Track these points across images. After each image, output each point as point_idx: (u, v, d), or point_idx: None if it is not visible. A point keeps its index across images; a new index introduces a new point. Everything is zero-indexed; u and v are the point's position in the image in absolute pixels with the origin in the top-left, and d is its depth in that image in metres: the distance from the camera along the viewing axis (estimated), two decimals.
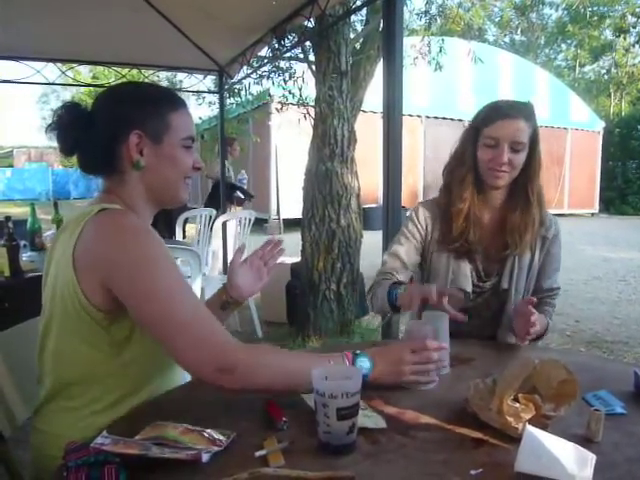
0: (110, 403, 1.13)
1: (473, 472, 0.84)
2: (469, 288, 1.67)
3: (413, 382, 1.16)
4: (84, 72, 16.69)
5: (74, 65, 5.63)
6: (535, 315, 1.43)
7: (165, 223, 4.96)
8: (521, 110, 1.58)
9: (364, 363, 1.12)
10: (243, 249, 1.48)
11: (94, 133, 1.13)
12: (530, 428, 0.86)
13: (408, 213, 1.82)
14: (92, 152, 1.16)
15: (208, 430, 0.94)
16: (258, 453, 0.89)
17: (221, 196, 6.02)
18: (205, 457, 0.84)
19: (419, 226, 1.74)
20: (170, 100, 1.20)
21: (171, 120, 1.17)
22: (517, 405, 0.95)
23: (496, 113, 1.58)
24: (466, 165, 1.64)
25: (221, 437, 0.92)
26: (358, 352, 1.14)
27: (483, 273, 1.70)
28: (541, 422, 0.94)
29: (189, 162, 1.20)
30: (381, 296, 1.60)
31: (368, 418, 0.97)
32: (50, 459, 1.15)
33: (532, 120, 1.59)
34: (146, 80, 6.07)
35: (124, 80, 5.52)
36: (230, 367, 1.00)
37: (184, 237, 4.96)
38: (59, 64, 5.27)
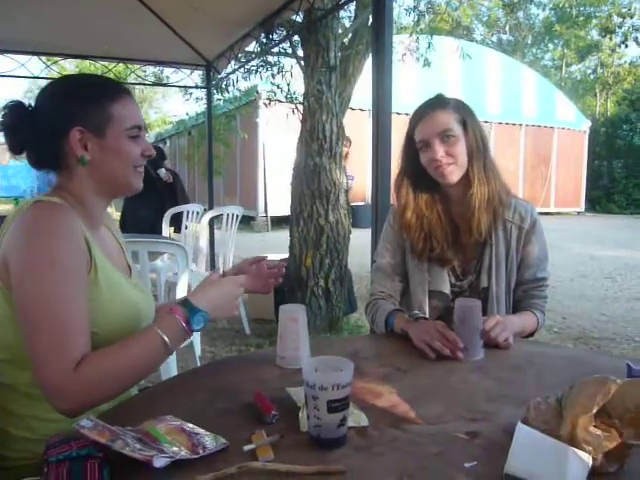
0: None
1: (467, 465, 0.83)
2: (447, 290, 1.65)
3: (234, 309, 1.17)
4: (69, 67, 16.42)
5: (59, 59, 5.57)
6: (490, 322, 1.40)
7: (159, 216, 4.98)
8: (436, 102, 1.59)
9: (200, 318, 1.08)
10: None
11: (37, 131, 1.12)
12: (523, 427, 0.80)
13: (388, 217, 1.79)
14: (38, 150, 1.16)
15: (202, 432, 0.90)
16: (247, 447, 0.86)
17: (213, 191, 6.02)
18: (158, 462, 0.78)
19: (396, 234, 1.73)
20: (110, 90, 1.16)
21: (112, 111, 1.14)
22: (599, 433, 0.78)
23: (417, 116, 1.60)
24: (402, 170, 1.68)
25: (210, 443, 0.87)
26: (187, 304, 1.08)
27: (460, 271, 1.67)
28: (622, 453, 0.79)
29: (136, 151, 1.17)
30: (380, 324, 1.62)
31: (350, 415, 0.94)
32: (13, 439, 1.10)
33: (452, 106, 1.57)
34: (132, 74, 6.02)
35: (110, 74, 5.46)
36: (62, 394, 0.96)
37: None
38: (44, 58, 5.20)
